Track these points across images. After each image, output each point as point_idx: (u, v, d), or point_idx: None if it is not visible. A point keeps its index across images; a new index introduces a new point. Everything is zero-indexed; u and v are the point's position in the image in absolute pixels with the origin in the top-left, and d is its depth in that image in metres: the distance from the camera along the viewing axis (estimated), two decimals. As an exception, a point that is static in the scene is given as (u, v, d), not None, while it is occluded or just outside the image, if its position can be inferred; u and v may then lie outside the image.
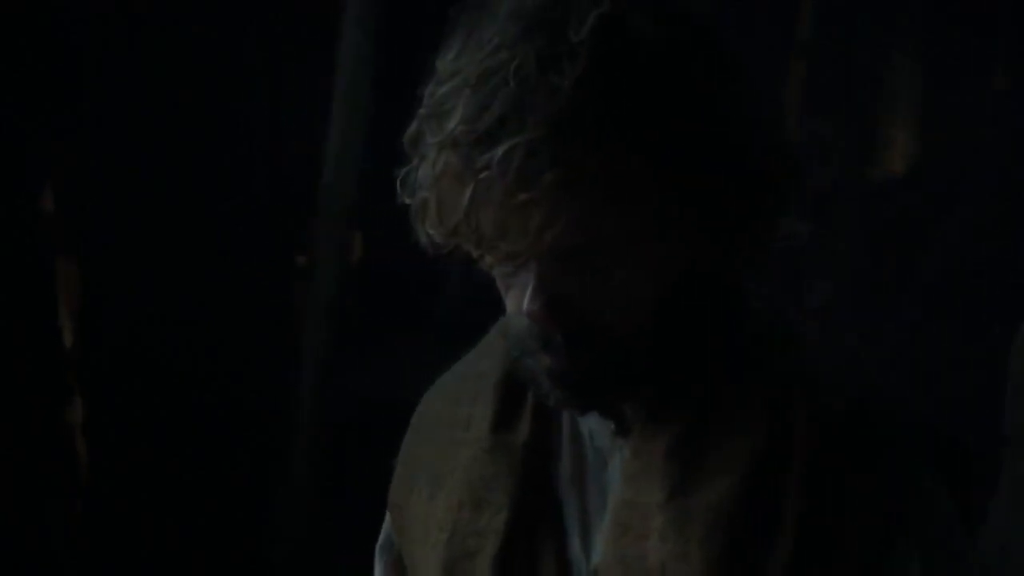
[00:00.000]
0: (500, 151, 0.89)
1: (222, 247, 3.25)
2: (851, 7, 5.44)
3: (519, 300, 0.94)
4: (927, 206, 4.98)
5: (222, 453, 3.18)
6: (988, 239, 4.73)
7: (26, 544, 2.93)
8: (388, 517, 1.12)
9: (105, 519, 3.11)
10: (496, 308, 1.03)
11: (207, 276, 3.24)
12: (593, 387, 0.95)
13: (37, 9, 2.96)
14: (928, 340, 4.52)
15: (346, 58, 3.04)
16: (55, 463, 3.00)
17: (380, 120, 2.78)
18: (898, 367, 4.36)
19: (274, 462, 3.17)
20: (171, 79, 3.13)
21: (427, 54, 0.96)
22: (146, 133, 3.15)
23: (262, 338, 3.27)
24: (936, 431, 0.97)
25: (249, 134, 3.29)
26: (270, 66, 3.31)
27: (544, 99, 0.89)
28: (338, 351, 3.13)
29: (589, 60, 0.89)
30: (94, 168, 3.14)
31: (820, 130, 5.21)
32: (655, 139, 0.90)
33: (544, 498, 1.00)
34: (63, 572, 2.98)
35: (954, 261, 4.74)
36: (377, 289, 3.46)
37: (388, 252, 3.11)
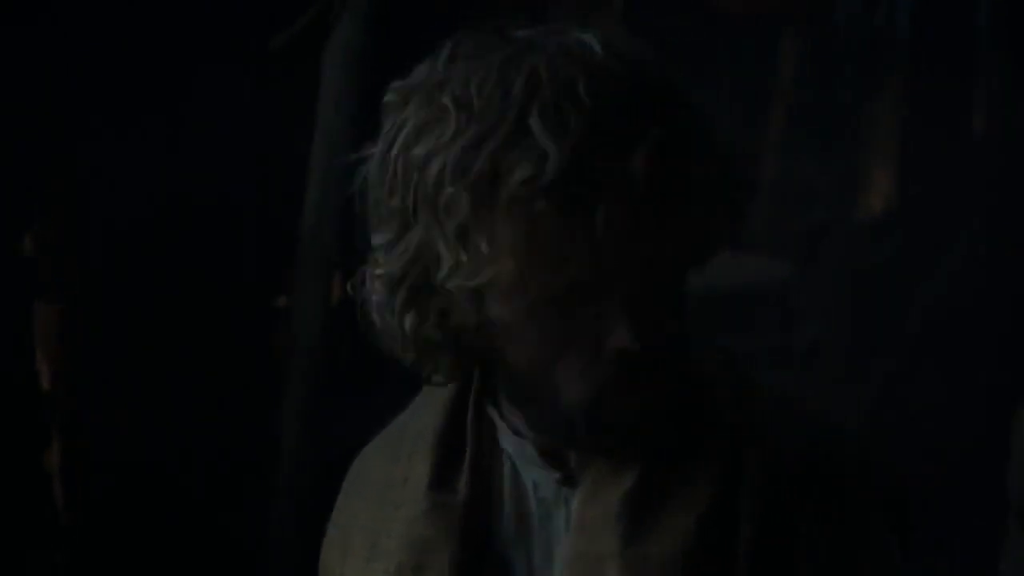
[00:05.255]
0: (634, 162, 0.88)
1: (202, 290, 3.23)
2: (832, 49, 5.47)
3: (590, 349, 0.92)
4: (912, 249, 4.99)
5: (204, 498, 3.15)
6: (974, 282, 4.74)
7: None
8: None
9: (86, 569, 3.07)
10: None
11: (187, 319, 3.22)
12: (647, 421, 0.95)
13: (26, 59, 2.96)
14: (913, 384, 4.52)
15: (326, 100, 3.04)
16: (33, 510, 2.97)
17: (361, 162, 2.76)
18: (884, 410, 4.35)
19: (257, 507, 3.14)
20: (155, 124, 3.13)
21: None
22: (128, 177, 3.14)
23: (242, 381, 3.25)
24: (882, 475, 0.98)
25: (231, 175, 3.28)
26: (251, 107, 3.30)
27: (634, 115, 0.89)
28: (320, 393, 3.11)
29: (629, 75, 0.91)
30: (76, 211, 3.12)
31: (803, 172, 5.22)
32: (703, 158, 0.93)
33: (487, 557, 0.98)
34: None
35: (940, 304, 4.74)
36: (359, 330, 3.43)
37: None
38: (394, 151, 0.94)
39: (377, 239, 0.96)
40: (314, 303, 3.08)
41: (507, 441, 0.99)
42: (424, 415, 1.03)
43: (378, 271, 0.96)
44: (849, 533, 0.92)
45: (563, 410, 0.93)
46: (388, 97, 0.96)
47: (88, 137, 3.09)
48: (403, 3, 3.01)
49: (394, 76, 0.98)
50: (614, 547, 0.92)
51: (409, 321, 0.96)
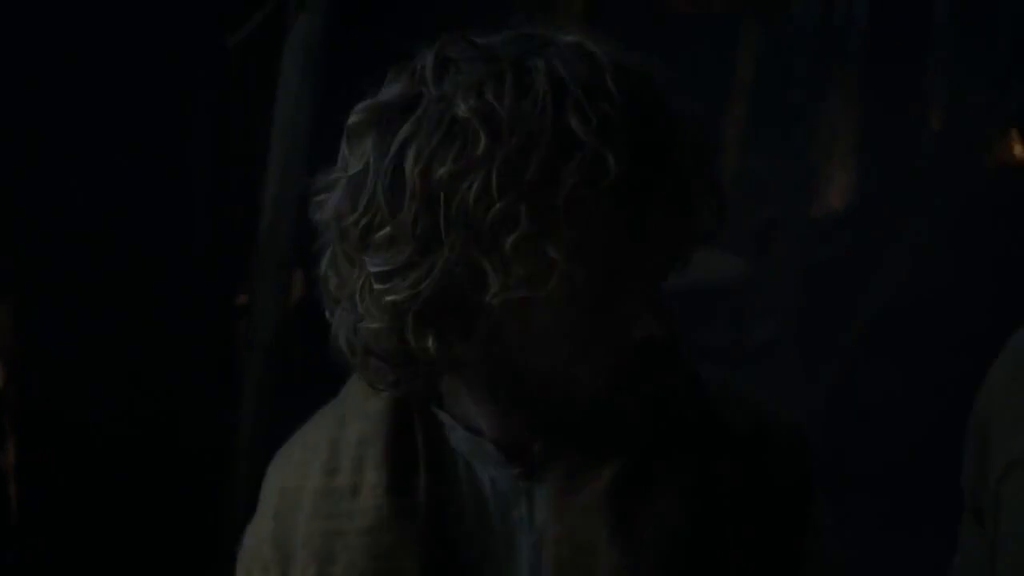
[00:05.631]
0: (673, 160, 0.91)
1: (160, 287, 3.21)
2: (788, 47, 5.50)
3: (618, 335, 0.93)
4: (867, 244, 5.03)
5: (159, 497, 3.14)
6: (933, 276, 4.78)
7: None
8: None
9: (38, 568, 3.04)
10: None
11: (144, 316, 3.20)
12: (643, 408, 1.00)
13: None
14: (868, 378, 4.56)
15: (284, 98, 3.03)
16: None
17: (320, 158, 2.76)
18: (839, 404, 4.38)
19: (213, 504, 3.13)
20: (112, 119, 3.11)
21: (365, 94, 0.94)
22: (82, 173, 3.12)
23: (201, 378, 3.23)
24: (813, 459, 1.03)
25: (188, 172, 3.26)
26: (209, 108, 3.29)
27: (654, 112, 0.92)
28: (274, 392, 3.10)
29: (620, 82, 0.92)
30: (26, 209, 3.10)
31: (759, 169, 5.25)
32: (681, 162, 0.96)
33: (453, 555, 0.99)
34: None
35: (893, 299, 4.78)
36: (319, 328, 3.42)
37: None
38: (406, 174, 0.89)
39: (377, 264, 0.92)
40: (271, 301, 3.07)
41: (459, 440, 1.00)
42: (357, 424, 1.02)
43: (387, 297, 0.92)
44: (790, 514, 0.97)
45: (561, 402, 0.93)
46: (355, 119, 0.91)
47: (44, 133, 3.07)
48: (362, 1, 3.01)
49: (353, 74, 0.96)
50: (603, 534, 0.93)
51: (428, 342, 0.93)
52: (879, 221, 5.03)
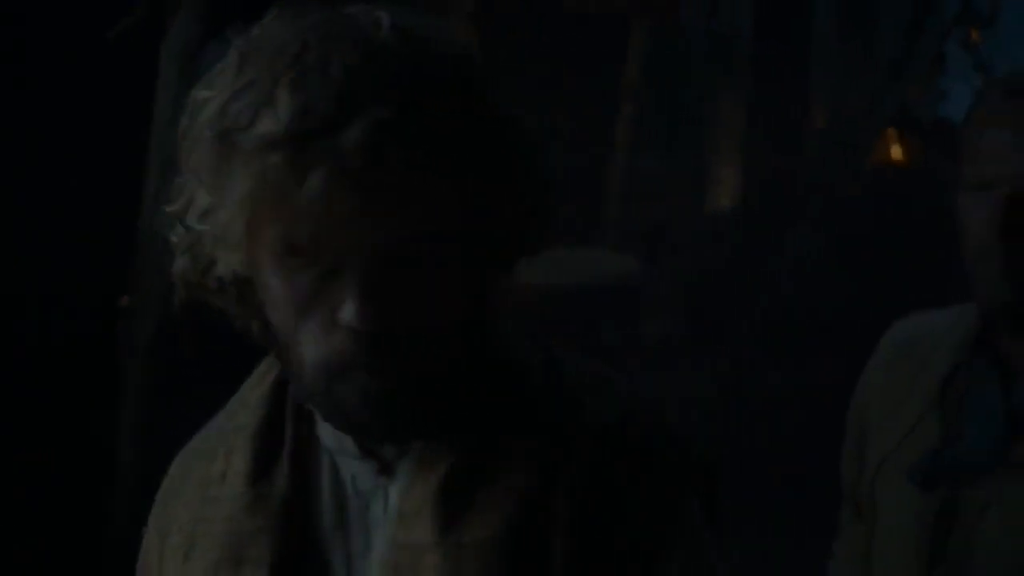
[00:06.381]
0: (351, 134, 0.87)
1: (36, 288, 3.16)
2: (676, 49, 5.57)
3: (327, 317, 0.91)
4: (756, 243, 5.11)
5: (41, 501, 3.08)
6: (815, 274, 4.87)
7: None
8: None
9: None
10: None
11: (27, 317, 3.15)
12: (410, 408, 0.93)
13: None
14: (760, 375, 4.63)
15: (163, 97, 2.99)
16: None
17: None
18: (730, 401, 4.45)
19: (93, 509, 3.08)
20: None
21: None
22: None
23: (80, 383, 3.18)
24: (690, 449, 0.99)
25: (64, 168, 3.21)
26: (88, 109, 3.24)
27: (379, 86, 0.88)
28: (160, 393, 3.06)
29: (402, 57, 0.90)
30: None
31: (651, 169, 5.31)
32: (486, 144, 0.91)
33: (307, 549, 0.98)
34: None
35: (783, 297, 4.86)
36: (203, 331, 3.39)
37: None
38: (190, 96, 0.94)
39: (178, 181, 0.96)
40: (151, 303, 3.02)
41: (326, 434, 0.98)
42: (241, 412, 1.02)
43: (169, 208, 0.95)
44: (657, 511, 0.95)
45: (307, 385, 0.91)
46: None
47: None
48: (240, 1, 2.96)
49: None
50: (431, 537, 0.93)
51: (182, 264, 0.95)
52: (765, 221, 5.12)
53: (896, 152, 5.18)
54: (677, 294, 4.92)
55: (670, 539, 0.96)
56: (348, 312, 0.90)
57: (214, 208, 0.94)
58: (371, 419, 0.92)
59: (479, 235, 0.93)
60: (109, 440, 3.08)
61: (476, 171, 0.91)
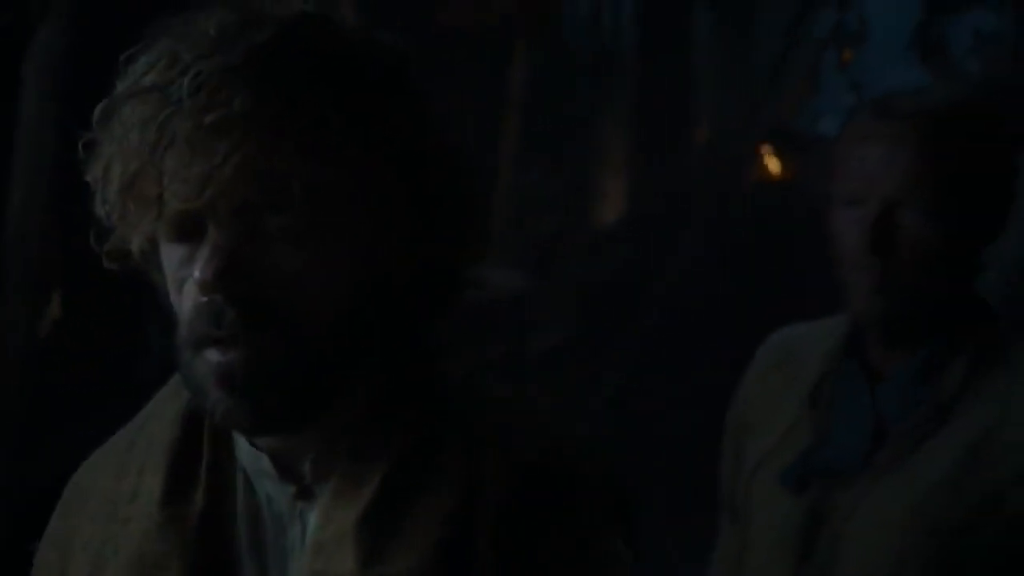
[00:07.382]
0: (191, 74, 0.86)
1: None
2: (562, 62, 5.61)
3: (191, 288, 0.89)
4: (643, 256, 5.16)
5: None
6: (702, 287, 4.93)
7: None
8: None
9: None
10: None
11: None
12: (270, 392, 0.88)
13: None
14: (647, 386, 4.67)
15: (28, 100, 2.89)
16: None
17: (66, 175, 2.64)
18: (618, 413, 4.48)
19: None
20: None
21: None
22: None
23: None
24: (614, 481, 0.98)
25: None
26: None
27: (243, 39, 0.88)
28: (31, 419, 2.95)
29: (284, 25, 0.90)
30: None
31: (537, 183, 5.33)
32: (357, 106, 0.89)
33: (221, 572, 0.95)
34: None
35: (670, 309, 4.91)
36: (77, 352, 3.29)
37: (89, 314, 2.97)
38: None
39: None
40: (20, 321, 2.90)
41: (243, 453, 0.95)
42: (153, 427, 0.99)
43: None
44: (582, 537, 0.93)
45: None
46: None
47: None
48: (106, 4, 2.86)
49: (96, 78, 0.96)
50: (351, 568, 0.90)
51: (110, 243, 0.93)
52: (651, 234, 5.17)
53: (773, 166, 5.27)
54: (566, 306, 4.94)
55: (594, 566, 0.94)
56: (198, 272, 0.87)
57: (112, 179, 0.90)
58: (221, 399, 0.89)
59: (394, 197, 0.89)
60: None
61: (339, 143, 0.88)
